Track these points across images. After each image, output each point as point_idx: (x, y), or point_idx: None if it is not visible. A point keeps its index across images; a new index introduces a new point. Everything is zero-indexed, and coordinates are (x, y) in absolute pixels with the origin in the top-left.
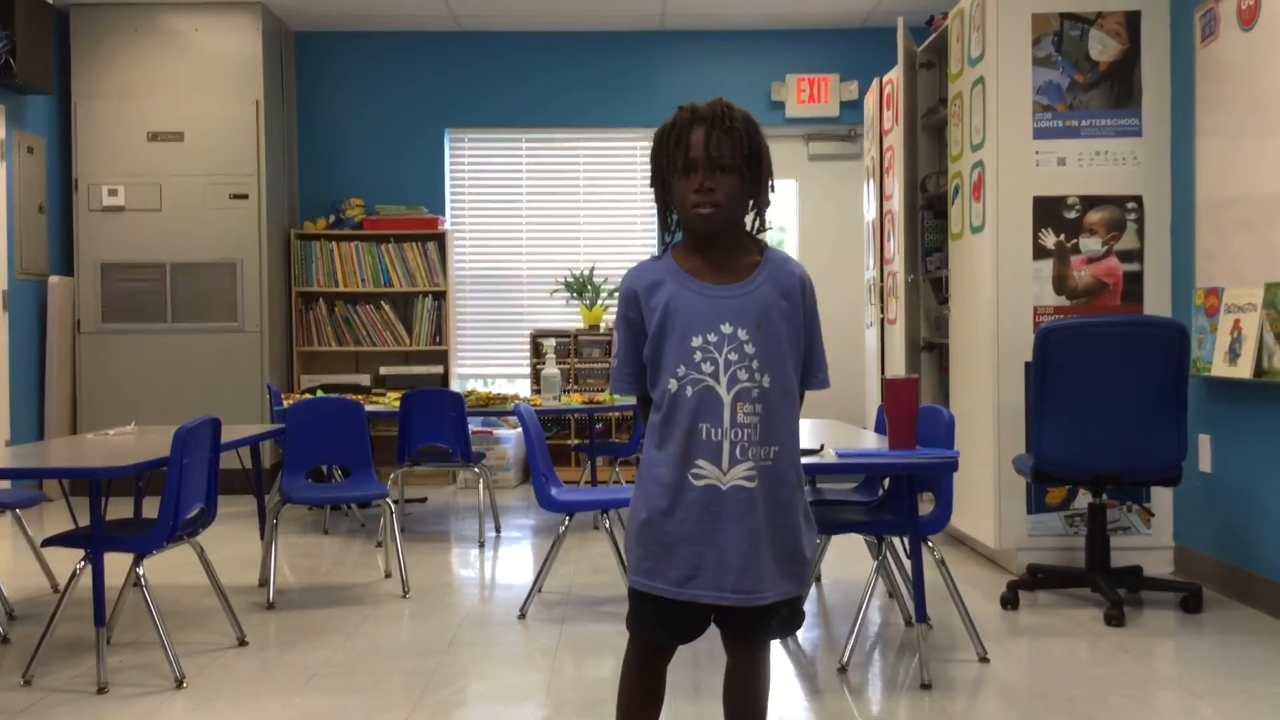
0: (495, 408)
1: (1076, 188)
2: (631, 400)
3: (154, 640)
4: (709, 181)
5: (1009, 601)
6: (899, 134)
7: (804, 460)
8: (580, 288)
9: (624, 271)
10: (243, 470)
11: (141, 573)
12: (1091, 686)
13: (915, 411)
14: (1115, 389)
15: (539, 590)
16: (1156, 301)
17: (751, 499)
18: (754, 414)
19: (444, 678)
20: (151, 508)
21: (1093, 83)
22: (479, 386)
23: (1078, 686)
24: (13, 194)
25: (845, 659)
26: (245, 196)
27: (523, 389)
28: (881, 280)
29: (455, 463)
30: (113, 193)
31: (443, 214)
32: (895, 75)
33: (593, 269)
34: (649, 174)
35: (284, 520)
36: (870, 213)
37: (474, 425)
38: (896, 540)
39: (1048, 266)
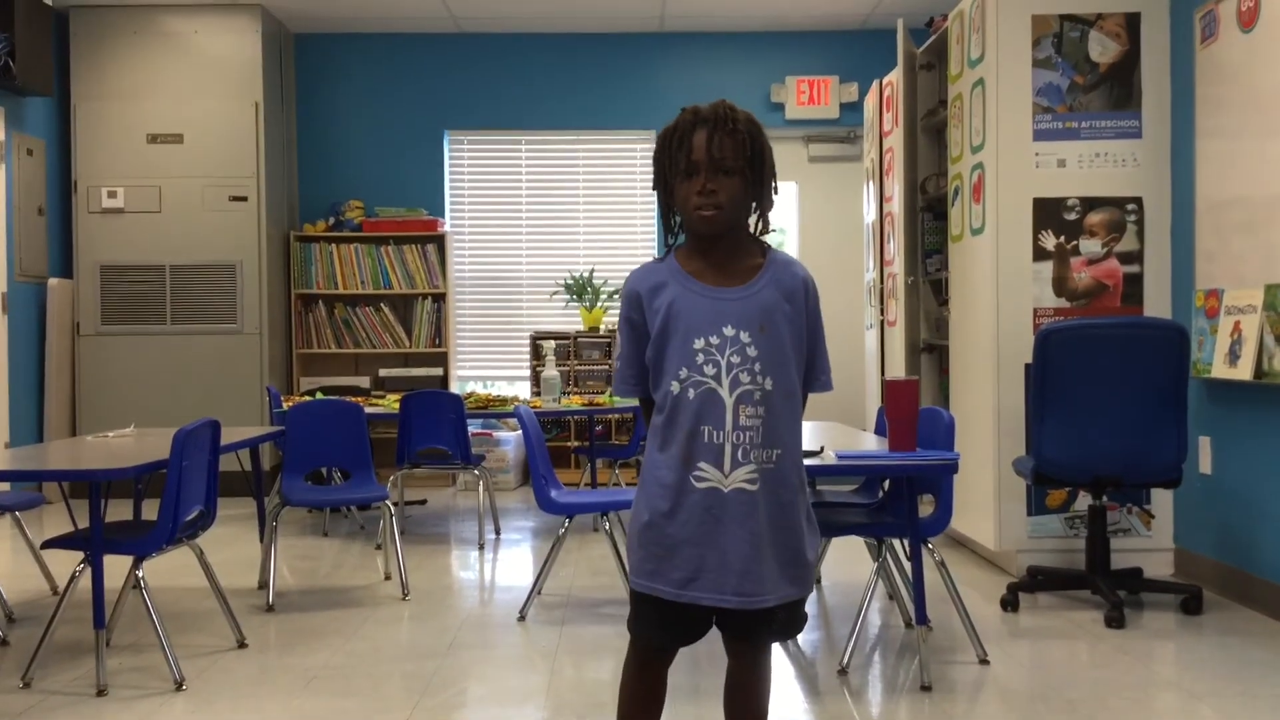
0: (495, 410)
1: (1076, 189)
2: (630, 402)
3: (153, 642)
4: (711, 183)
5: (1009, 603)
6: (899, 136)
7: (804, 462)
8: (580, 289)
9: (624, 273)
10: (242, 472)
11: (141, 575)
12: (1092, 688)
13: (915, 413)
14: (1115, 391)
15: (539, 592)
16: (1156, 303)
17: (753, 502)
18: (756, 416)
19: (444, 680)
20: (151, 510)
21: (1093, 84)
22: (479, 388)
23: (1078, 688)
24: (12, 196)
25: (845, 661)
26: (245, 198)
27: (522, 391)
28: (881, 282)
29: (455, 465)
30: (112, 195)
31: (442, 216)
32: (895, 77)
33: (592, 271)
34: (651, 176)
35: (283, 522)
36: (870, 214)
37: (474, 427)
38: (896, 542)
39: (1048, 268)
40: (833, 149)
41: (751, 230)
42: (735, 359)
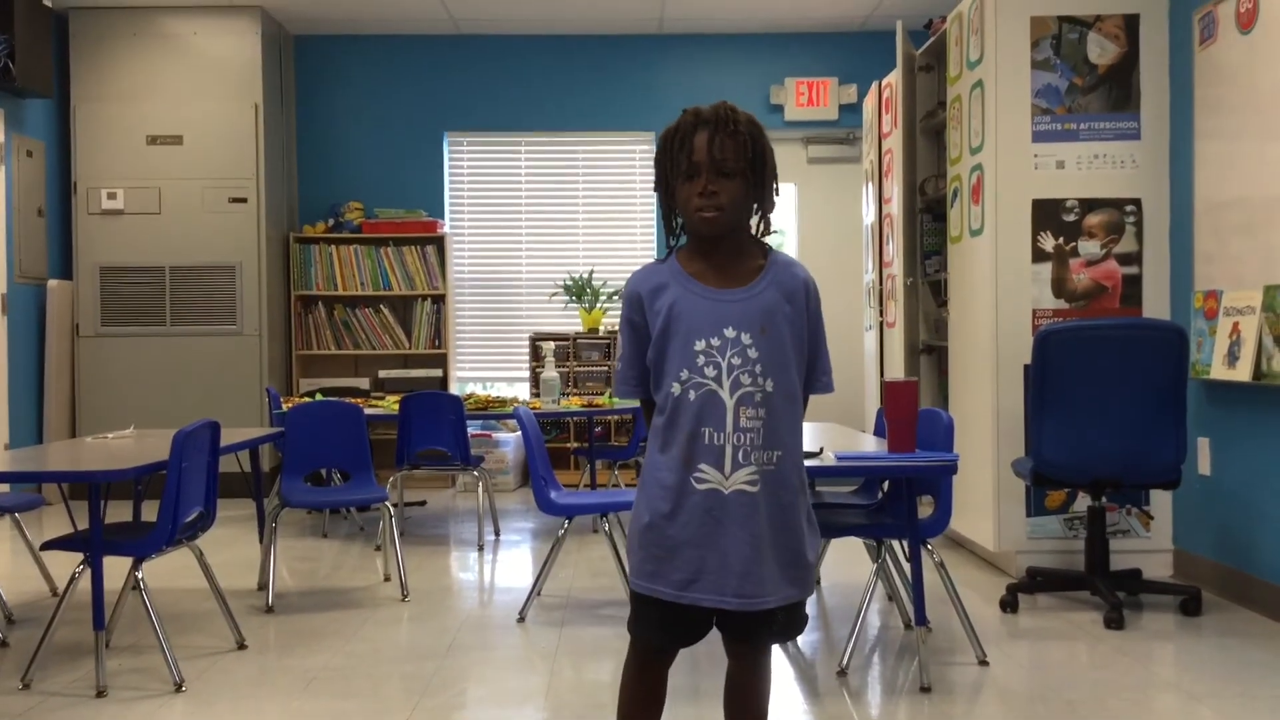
0: (494, 411)
1: (1075, 191)
2: (629, 404)
3: (153, 644)
4: (712, 185)
5: (1008, 604)
6: (898, 137)
7: (804, 463)
8: (579, 291)
9: (623, 275)
10: (242, 474)
11: (140, 576)
12: (1091, 689)
13: (914, 414)
14: (1114, 392)
15: (538, 594)
16: (1155, 304)
17: (754, 503)
18: (757, 418)
19: (443, 681)
20: (150, 511)
21: (1091, 86)
22: (478, 390)
23: (1077, 689)
24: (12, 197)
25: (845, 662)
26: (244, 200)
27: (522, 392)
28: (880, 283)
29: (454, 466)
30: (112, 196)
31: (442, 217)
32: (894, 78)
33: (592, 272)
34: (650, 177)
35: (283, 524)
36: (869, 216)
37: (473, 428)
38: (896, 543)
39: (1047, 269)
40: (832, 150)
41: (753, 232)
42: (736, 360)
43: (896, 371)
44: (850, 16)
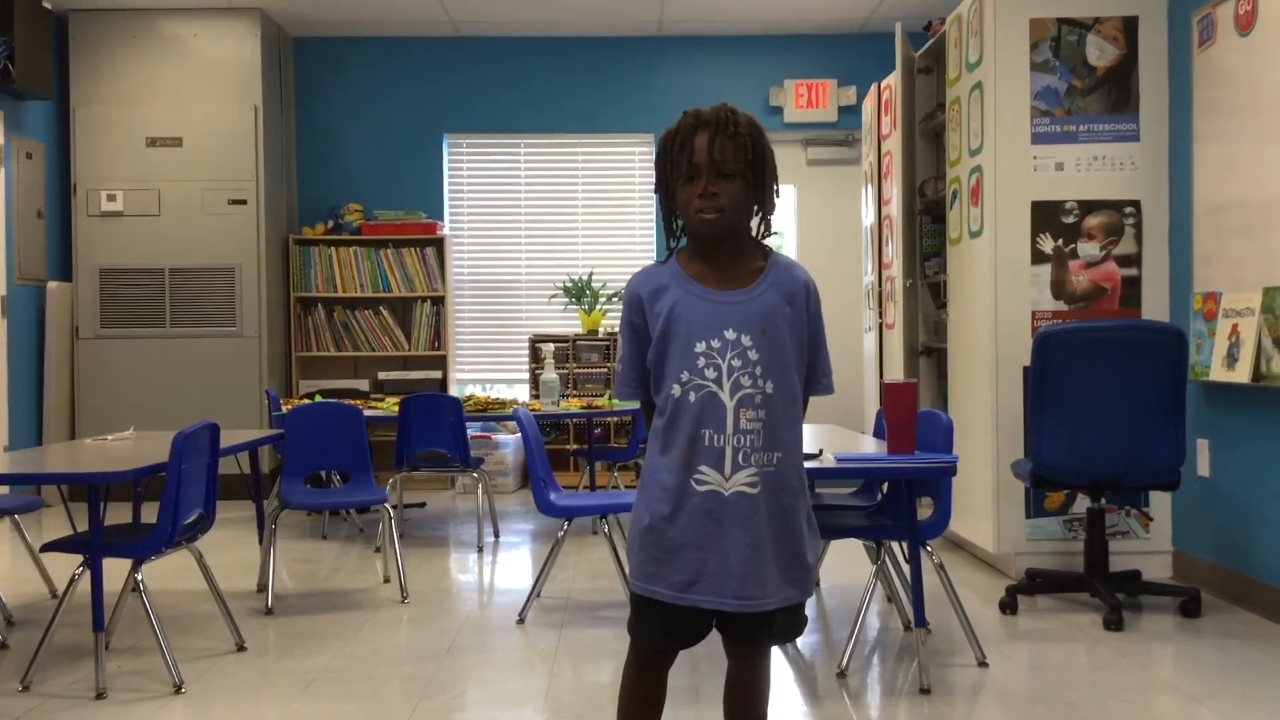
0: (494, 412)
1: (1074, 193)
2: (629, 405)
3: (152, 646)
4: (713, 187)
5: (1008, 606)
6: (897, 139)
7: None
8: (579, 292)
9: (623, 276)
10: (241, 475)
11: (140, 578)
12: (1090, 691)
13: (914, 416)
14: (1113, 394)
15: (538, 595)
16: (1154, 306)
17: (754, 505)
18: (757, 420)
19: (443, 683)
20: (150, 513)
21: (1090, 88)
22: (478, 391)
23: (1076, 691)
24: (11, 199)
25: (844, 664)
26: (244, 202)
27: (521, 394)
28: (880, 285)
29: (454, 468)
30: (111, 198)
31: (441, 219)
32: (893, 80)
33: (591, 274)
34: (649, 179)
35: (283, 525)
36: (868, 218)
37: (473, 430)
38: (895, 545)
39: (1046, 271)
40: (831, 152)
41: (753, 234)
42: (736, 362)
43: (896, 373)
44: (849, 18)
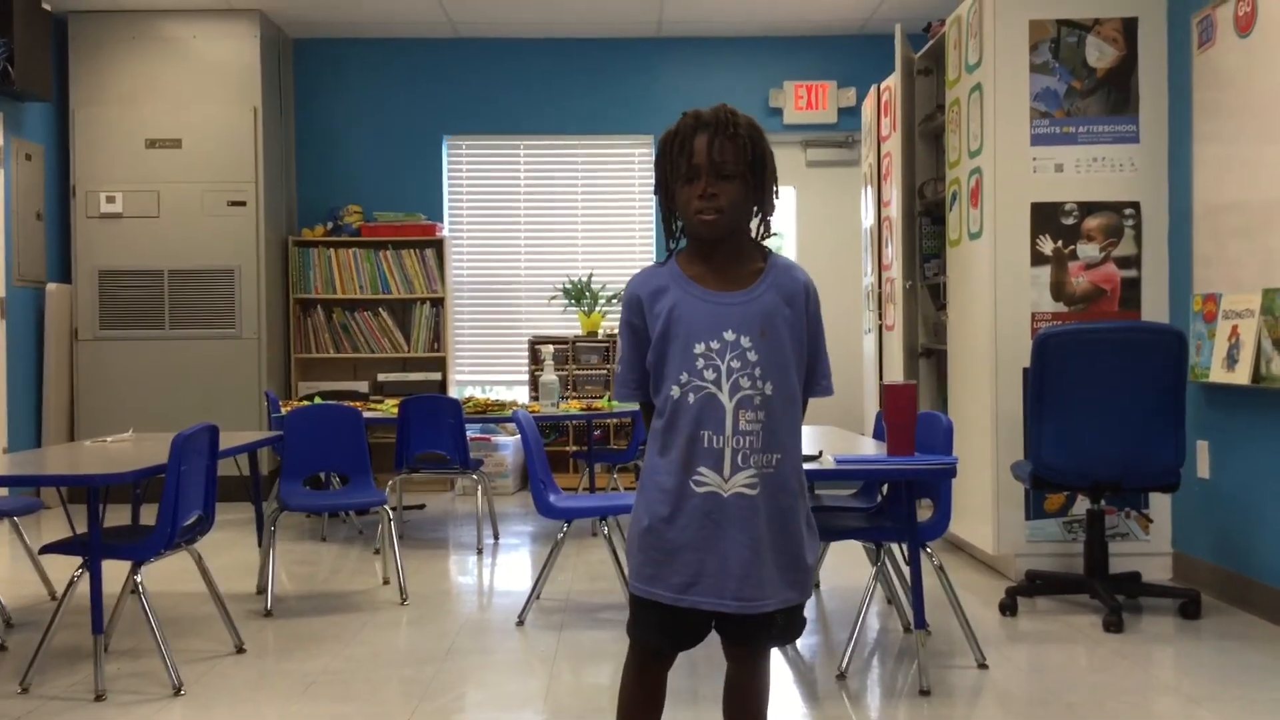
0: (493, 414)
1: (1074, 194)
2: (629, 407)
3: (151, 648)
4: (712, 188)
5: (1008, 608)
6: (897, 140)
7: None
8: (578, 294)
9: (622, 278)
10: (240, 477)
11: (139, 580)
12: (1090, 693)
13: (913, 418)
14: (1113, 395)
15: (537, 597)
16: (1154, 307)
17: (753, 506)
18: (756, 421)
19: (442, 685)
20: (149, 515)
21: (1090, 89)
22: (477, 393)
23: (1076, 693)
24: (10, 201)
25: (844, 666)
26: (243, 203)
27: (521, 395)
28: (880, 286)
29: (453, 469)
30: (110, 200)
31: (441, 220)
32: (893, 82)
33: (591, 275)
34: (649, 180)
35: (282, 527)
36: (868, 219)
37: (472, 432)
38: (895, 546)
39: (1045, 273)
40: (831, 154)
41: (753, 235)
42: (735, 364)
43: (895, 375)
44: (849, 20)
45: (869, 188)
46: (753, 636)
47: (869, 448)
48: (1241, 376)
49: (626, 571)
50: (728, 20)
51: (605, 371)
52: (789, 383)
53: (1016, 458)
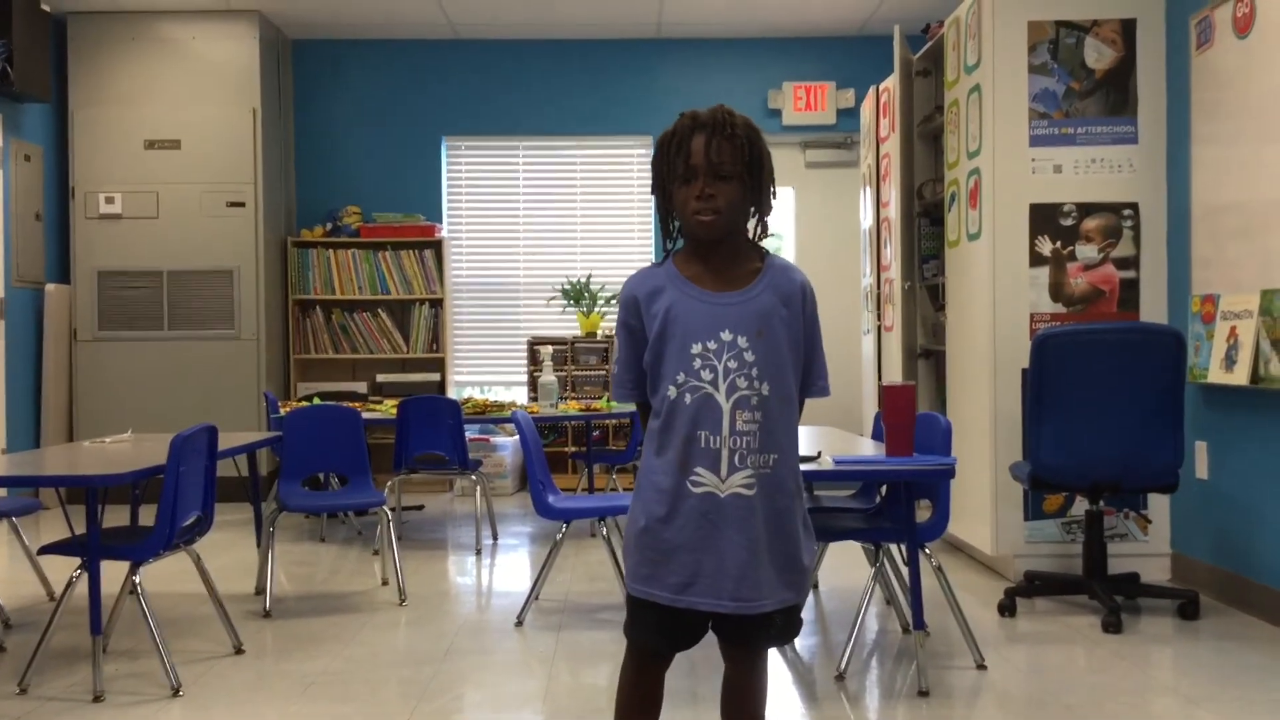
0: (492, 415)
1: (1073, 195)
2: (628, 407)
3: (150, 648)
4: (709, 188)
5: (1006, 608)
6: (895, 141)
7: (802, 467)
8: (577, 295)
9: (621, 278)
10: (239, 478)
11: (138, 581)
12: (1089, 693)
13: (912, 419)
14: (1112, 396)
15: (536, 598)
16: (1153, 308)
17: (750, 507)
18: (753, 421)
19: (441, 686)
20: (148, 515)
21: (1089, 90)
22: (476, 394)
23: (1075, 693)
24: (9, 202)
25: (843, 666)
26: (242, 204)
27: (520, 396)
28: (878, 287)
29: (452, 470)
30: (110, 200)
31: (440, 221)
32: (891, 83)
33: (590, 276)
34: (648, 181)
35: (281, 528)
36: (867, 220)
37: (471, 433)
38: (894, 547)
39: (1044, 274)
40: (830, 155)
41: (750, 235)
42: (732, 364)
43: (894, 375)
44: (848, 21)
45: (868, 189)
46: (750, 637)
47: (868, 448)
48: (1240, 377)
49: (624, 572)
50: (727, 21)
51: (604, 372)
52: (786, 383)
53: (1015, 458)
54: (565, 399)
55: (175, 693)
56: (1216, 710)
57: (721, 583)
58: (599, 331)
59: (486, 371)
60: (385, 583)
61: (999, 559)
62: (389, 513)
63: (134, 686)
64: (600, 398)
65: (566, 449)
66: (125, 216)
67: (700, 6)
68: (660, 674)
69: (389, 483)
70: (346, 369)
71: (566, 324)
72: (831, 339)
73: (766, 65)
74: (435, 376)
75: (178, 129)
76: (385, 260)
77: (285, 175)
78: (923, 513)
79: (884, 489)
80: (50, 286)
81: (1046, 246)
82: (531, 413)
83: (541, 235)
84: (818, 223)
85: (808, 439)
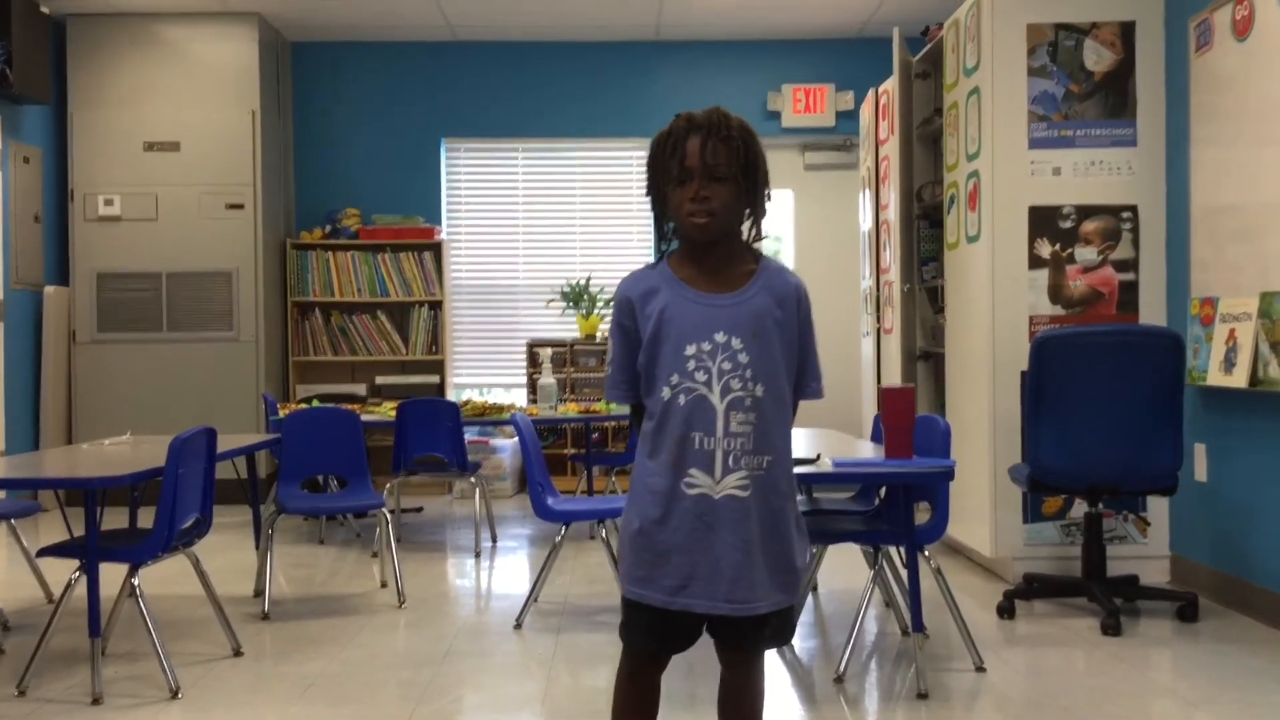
0: (491, 417)
1: (1072, 197)
2: (627, 410)
3: (149, 651)
4: (704, 190)
5: (1005, 611)
6: (895, 144)
7: (801, 470)
8: (576, 297)
9: (620, 281)
10: (238, 480)
11: (136, 583)
12: (1088, 696)
13: (911, 421)
14: (1111, 398)
15: (535, 600)
16: (1152, 311)
17: (744, 508)
18: (747, 423)
19: (440, 688)
20: (147, 518)
21: (1088, 93)
22: (475, 396)
23: (1074, 696)
24: (8, 204)
25: (842, 669)
26: (241, 206)
27: (519, 398)
28: (878, 290)
29: (451, 472)
30: (109, 202)
31: (439, 223)
32: (891, 85)
33: (589, 278)
34: (646, 181)
35: (279, 530)
36: (866, 222)
37: (470, 435)
38: (893, 549)
39: (1043, 276)
40: (829, 157)
41: (745, 237)
42: (726, 365)
43: (894, 378)
44: (847, 23)
45: (867, 191)
46: (745, 639)
47: (867, 451)
48: (1239, 380)
49: (619, 573)
50: (726, 24)
51: (603, 374)
52: (780, 385)
53: (1014, 461)
54: (564, 401)
55: (174, 695)
56: (1215, 713)
57: (716, 584)
58: (598, 334)
59: (486, 374)
60: (384, 585)
61: (998, 561)
62: (388, 515)
63: (133, 689)
64: (599, 400)
65: (566, 451)
66: (124, 218)
67: (699, 9)
68: (656, 676)
69: (388, 485)
70: (345, 371)
71: (566, 326)
72: (831, 341)
73: (766, 67)
74: (434, 379)
75: (177, 131)
76: (384, 262)
77: (284, 177)
78: (922, 515)
79: (883, 491)
80: (49, 288)
81: (1045, 249)
82: (531, 415)
83: (541, 237)
84: (817, 225)
85: (807, 441)
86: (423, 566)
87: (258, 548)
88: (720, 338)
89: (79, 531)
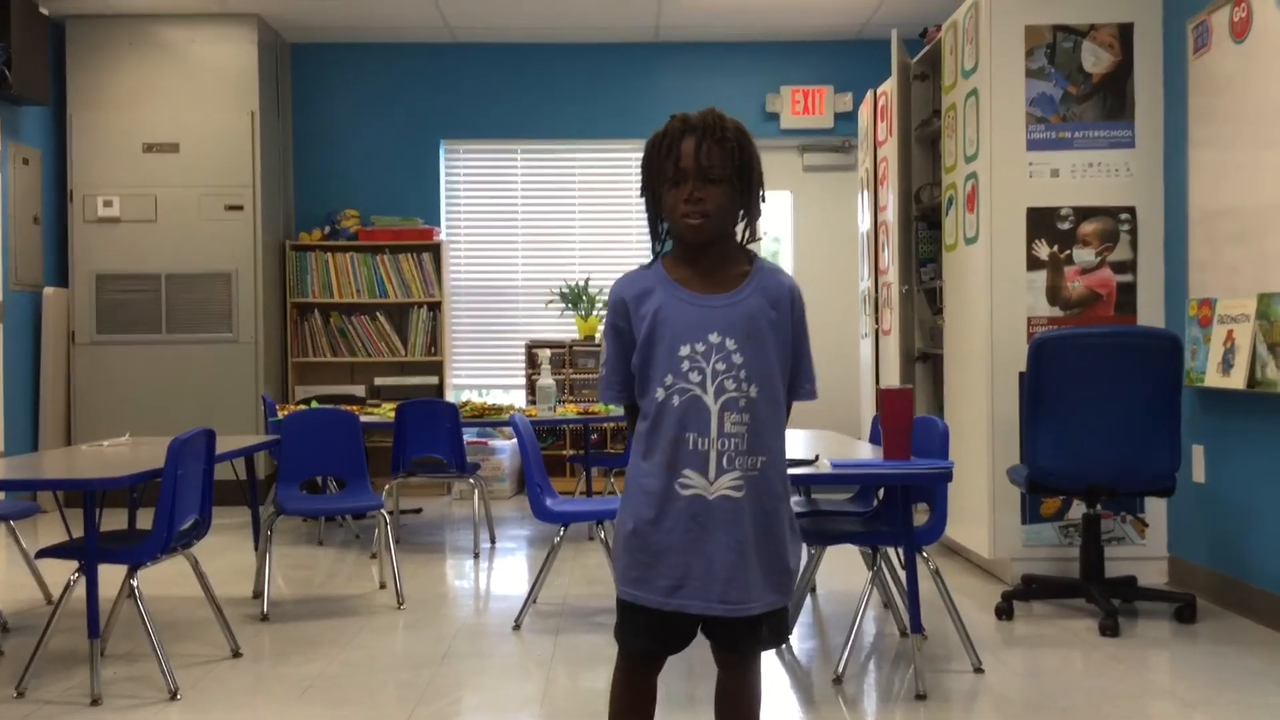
0: (490, 418)
1: (1070, 199)
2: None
3: (148, 652)
4: (699, 192)
5: (1004, 612)
6: (893, 145)
7: (799, 471)
8: (575, 298)
9: (614, 282)
10: (237, 481)
11: (135, 584)
12: (1086, 697)
13: (910, 422)
14: (1109, 399)
15: (534, 601)
16: (1150, 312)
17: (738, 509)
18: (741, 424)
19: (439, 689)
20: (146, 519)
21: (1086, 94)
22: (474, 397)
23: (1072, 697)
24: (8, 205)
25: (840, 670)
26: (240, 207)
27: (518, 400)
28: (876, 291)
29: (450, 473)
30: (108, 204)
31: (438, 225)
32: (889, 87)
33: (588, 280)
34: (640, 182)
35: (278, 531)
36: (864, 224)
37: (469, 436)
38: (891, 551)
39: (1041, 277)
40: (827, 158)
41: (739, 239)
42: (720, 366)
43: (892, 379)
44: (846, 25)
45: (865, 192)
46: (740, 639)
47: (865, 452)
48: (1237, 381)
49: (613, 575)
50: (725, 25)
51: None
52: (774, 385)
53: (1012, 462)
54: (563, 402)
55: (173, 696)
56: (1213, 714)
57: (710, 585)
58: (597, 335)
59: (484, 375)
60: (383, 586)
61: (996, 562)
62: (387, 516)
63: (132, 690)
64: (598, 401)
65: (564, 452)
66: (123, 220)
67: (698, 10)
68: (652, 677)
69: (387, 486)
70: (344, 372)
71: (564, 327)
72: (829, 342)
73: (764, 69)
74: (433, 380)
75: (176, 132)
76: (383, 263)
77: (283, 178)
78: (920, 516)
79: (881, 492)
80: (48, 290)
81: (1044, 250)
82: (529, 416)
83: (539, 239)
84: (815, 226)
85: (805, 442)
86: (421, 568)
87: (257, 549)
88: (714, 339)
89: (78, 533)
